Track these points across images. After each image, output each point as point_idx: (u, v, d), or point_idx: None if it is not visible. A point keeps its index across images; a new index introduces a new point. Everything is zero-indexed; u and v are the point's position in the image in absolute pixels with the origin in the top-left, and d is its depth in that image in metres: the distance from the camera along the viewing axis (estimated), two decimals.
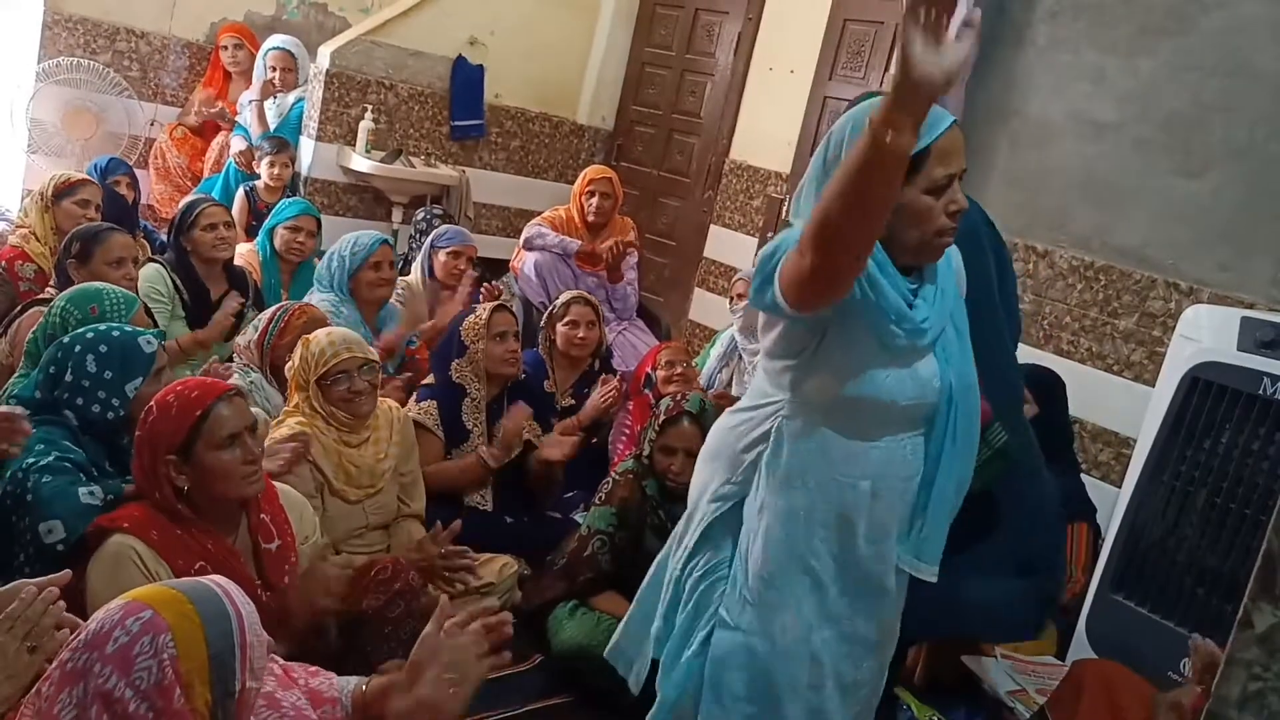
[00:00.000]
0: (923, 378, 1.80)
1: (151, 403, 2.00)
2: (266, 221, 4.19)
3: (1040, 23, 3.96)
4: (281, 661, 1.57)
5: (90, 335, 2.26)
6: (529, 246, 4.81)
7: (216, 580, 1.39)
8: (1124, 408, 3.65)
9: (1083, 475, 3.51)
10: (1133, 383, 3.68)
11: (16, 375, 2.52)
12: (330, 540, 2.57)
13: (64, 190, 3.71)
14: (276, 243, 4.09)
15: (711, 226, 5.53)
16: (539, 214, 5.03)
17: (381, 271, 3.69)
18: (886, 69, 4.58)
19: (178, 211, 3.76)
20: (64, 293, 2.64)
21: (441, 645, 1.56)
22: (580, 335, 3.77)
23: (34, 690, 1.33)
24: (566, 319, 3.79)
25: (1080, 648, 3.05)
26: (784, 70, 5.16)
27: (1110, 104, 3.78)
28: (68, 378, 2.22)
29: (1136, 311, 3.70)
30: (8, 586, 1.55)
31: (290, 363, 2.75)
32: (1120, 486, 3.20)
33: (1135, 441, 3.13)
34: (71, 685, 1.25)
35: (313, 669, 1.65)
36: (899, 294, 1.72)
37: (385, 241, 3.74)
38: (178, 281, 3.59)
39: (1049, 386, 3.41)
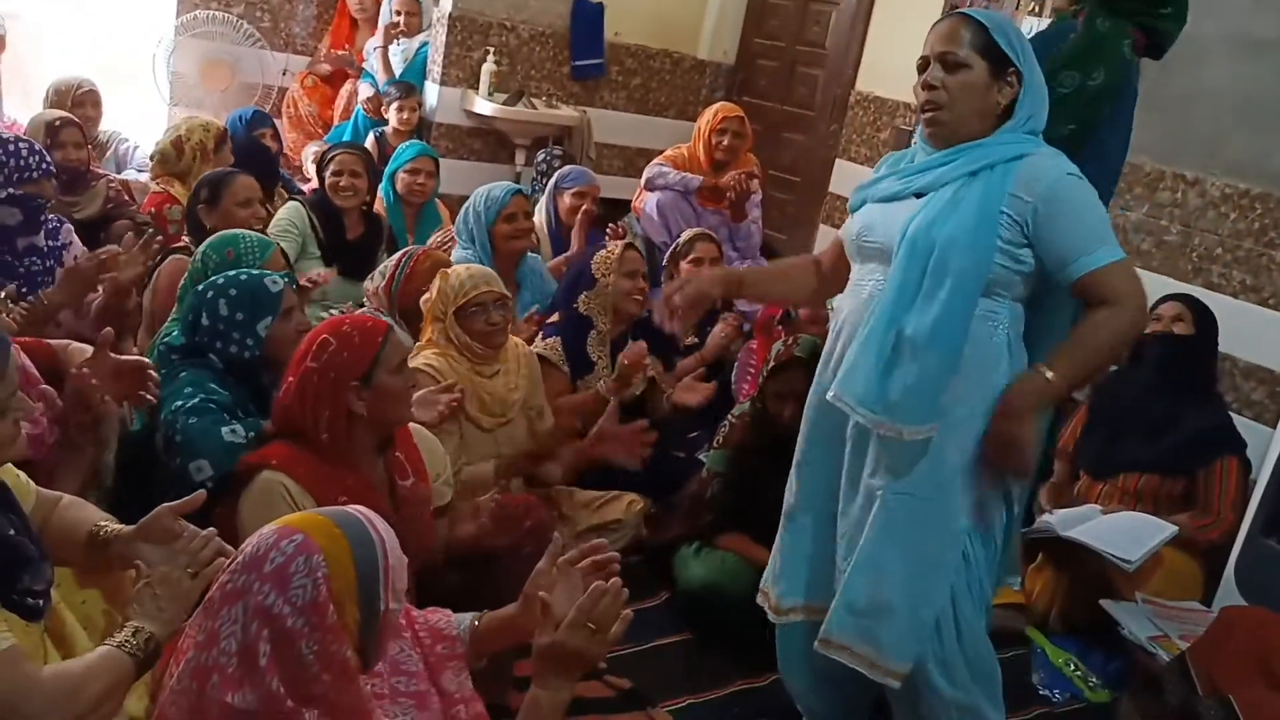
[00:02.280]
0: (894, 219, 1.92)
1: (326, 335, 2.04)
2: (387, 167, 4.26)
3: None
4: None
5: (221, 281, 2.36)
6: (650, 186, 4.78)
7: (358, 508, 1.47)
8: (1273, 340, 3.44)
9: (1233, 414, 3.33)
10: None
11: (170, 320, 2.64)
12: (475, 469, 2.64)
13: (221, 140, 3.86)
14: (398, 186, 4.16)
15: (837, 161, 5.39)
16: (660, 153, 4.98)
17: (516, 223, 3.63)
18: None
19: (319, 155, 3.88)
20: (206, 240, 2.75)
21: (556, 582, 1.60)
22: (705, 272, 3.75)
23: (197, 611, 1.42)
24: (691, 256, 3.77)
25: (1229, 593, 2.92)
26: None
27: (1272, 20, 3.51)
28: (204, 322, 2.32)
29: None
30: (149, 515, 1.63)
31: (426, 295, 2.81)
32: (1275, 427, 3.03)
33: None
34: (232, 604, 1.34)
35: (431, 607, 1.70)
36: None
37: (518, 192, 3.69)
38: (315, 220, 3.69)
39: (1202, 313, 3.26)
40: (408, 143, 4.39)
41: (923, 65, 1.93)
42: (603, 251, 3.28)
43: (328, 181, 3.73)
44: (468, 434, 2.70)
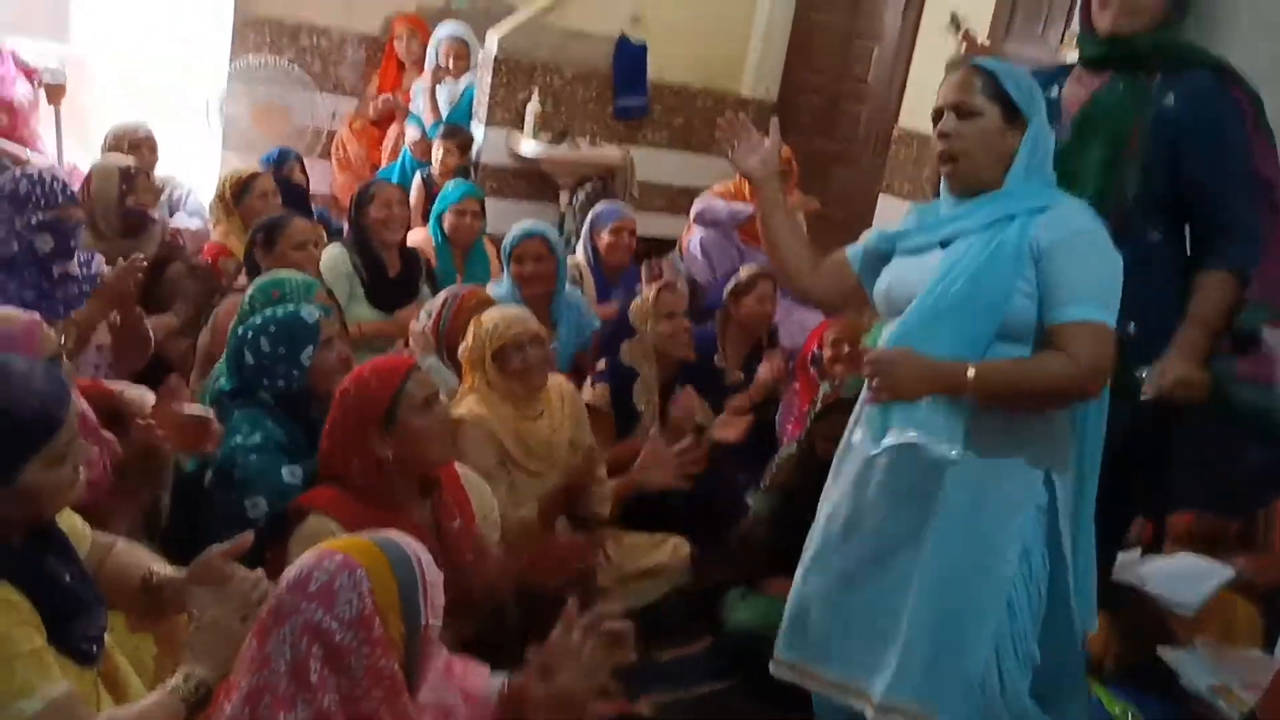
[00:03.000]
0: (922, 270, 1.95)
1: (347, 383, 2.10)
2: (434, 208, 4.30)
3: None
4: (446, 653, 1.63)
5: (258, 320, 2.41)
6: (700, 220, 4.76)
7: (391, 531, 1.51)
8: None
9: None
10: None
11: (220, 363, 2.69)
12: (521, 513, 2.64)
13: (241, 187, 3.91)
14: (445, 227, 4.20)
15: (881, 196, 5.38)
16: (703, 189, 5.00)
17: (524, 265, 3.63)
18: (1067, 25, 4.33)
19: (354, 193, 3.92)
20: (252, 282, 2.80)
21: (571, 647, 1.59)
22: (768, 309, 3.74)
23: (244, 645, 1.44)
24: (755, 292, 3.75)
25: None
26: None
27: None
28: (249, 361, 2.37)
29: None
30: (200, 558, 1.65)
31: (463, 345, 2.83)
32: None
33: None
34: (280, 626, 1.36)
35: (473, 665, 1.71)
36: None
37: (530, 235, 3.68)
38: (357, 262, 3.74)
39: None
40: (453, 182, 4.43)
41: (937, 116, 1.97)
42: (638, 299, 3.29)
43: (373, 217, 3.75)
44: (516, 480, 2.70)
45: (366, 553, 1.41)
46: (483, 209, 4.31)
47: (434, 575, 1.46)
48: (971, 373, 1.81)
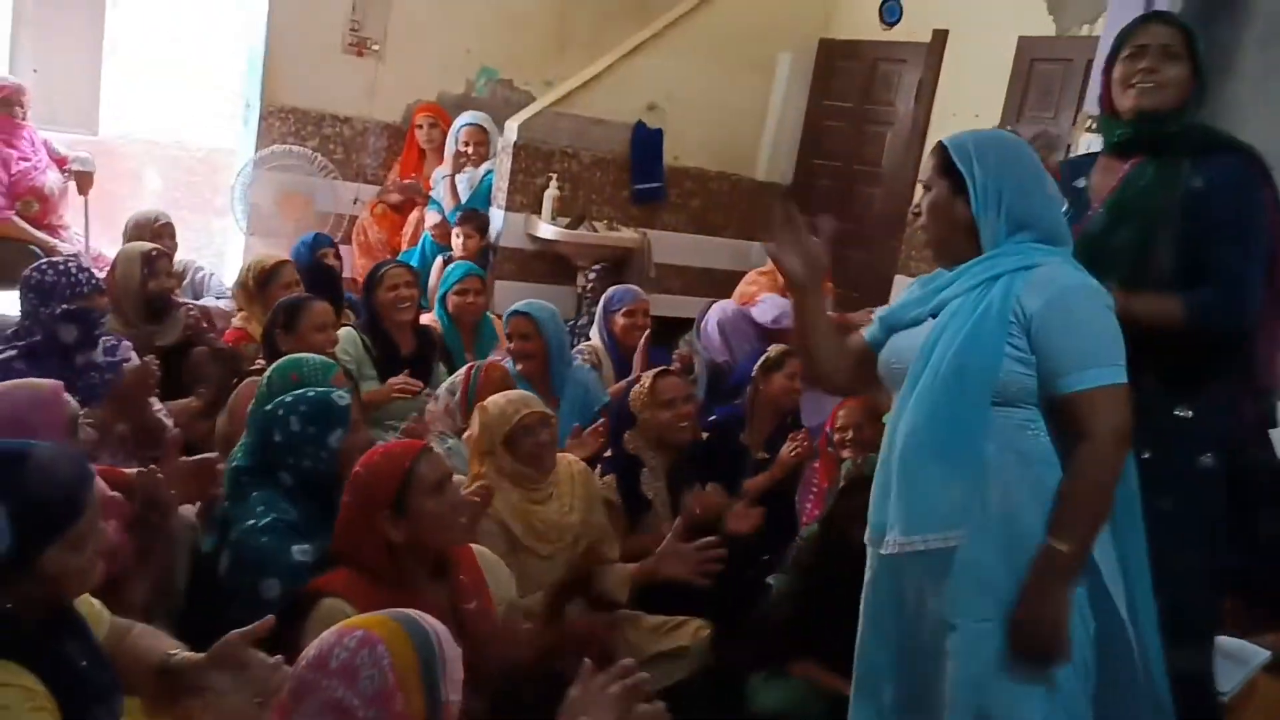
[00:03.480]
0: (914, 341, 1.95)
1: (357, 467, 2.10)
2: (438, 292, 4.36)
3: (1251, 48, 3.71)
4: None
5: (290, 399, 2.41)
6: (745, 296, 4.79)
7: (405, 609, 1.49)
8: None
9: None
10: None
11: (240, 443, 2.70)
12: (526, 601, 2.61)
13: (265, 277, 3.96)
14: (449, 307, 4.25)
15: (896, 277, 5.42)
16: (720, 271, 5.04)
17: (512, 342, 3.75)
18: (1078, 108, 4.40)
19: (366, 276, 3.98)
20: (271, 365, 2.83)
21: (595, 692, 1.57)
22: (797, 386, 3.66)
23: None
24: (786, 369, 3.68)
25: None
26: (968, 115, 5.03)
27: None
28: (277, 439, 2.36)
29: None
30: (219, 643, 1.64)
31: (468, 433, 2.82)
32: None
33: None
34: (301, 704, 1.35)
35: None
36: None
37: (514, 314, 3.77)
38: (368, 342, 3.77)
39: None
40: (453, 265, 4.50)
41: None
42: (636, 387, 3.28)
43: (384, 298, 3.79)
44: (526, 565, 2.67)
45: (386, 628, 1.40)
46: (484, 287, 4.37)
47: (453, 651, 1.44)
48: (1060, 545, 1.79)
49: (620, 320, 4.34)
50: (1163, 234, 2.22)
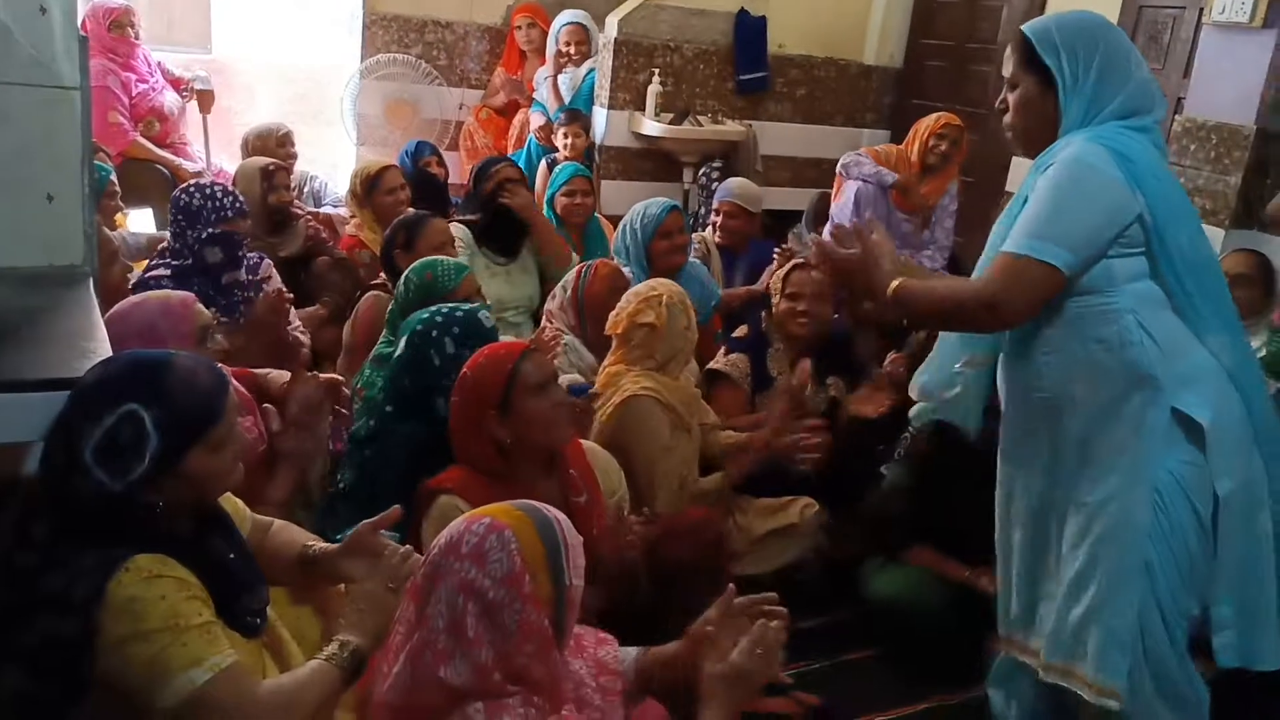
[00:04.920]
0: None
1: (465, 368, 2.16)
2: (545, 193, 4.37)
3: None
4: (577, 628, 1.67)
5: (440, 320, 2.40)
6: (847, 174, 4.63)
7: (527, 500, 1.55)
8: None
9: None
10: None
11: (381, 342, 2.82)
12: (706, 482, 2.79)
13: (370, 182, 4.03)
14: (558, 209, 4.25)
15: (1014, 159, 5.21)
16: (829, 161, 4.90)
17: (673, 239, 3.71)
18: None
19: (474, 170, 4.06)
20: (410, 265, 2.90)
21: (736, 624, 1.65)
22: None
23: (399, 609, 1.51)
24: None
25: None
26: None
27: None
28: (436, 362, 2.35)
29: None
30: (351, 532, 1.74)
31: (629, 322, 2.84)
32: None
33: None
34: (435, 587, 1.43)
35: (604, 637, 1.75)
36: None
37: (675, 208, 3.76)
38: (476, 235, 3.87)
39: None
40: (561, 166, 4.50)
41: None
42: (773, 268, 3.29)
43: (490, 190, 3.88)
44: (682, 442, 2.77)
45: (511, 516, 1.46)
46: (592, 188, 4.36)
47: (574, 538, 1.50)
48: (896, 284, 1.88)
49: (714, 218, 4.34)
50: None
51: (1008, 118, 1.99)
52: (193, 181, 3.27)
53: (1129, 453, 1.84)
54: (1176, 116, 4.00)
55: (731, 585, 1.72)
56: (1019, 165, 5.13)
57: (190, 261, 3.08)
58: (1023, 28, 1.96)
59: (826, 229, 4.53)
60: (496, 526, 1.44)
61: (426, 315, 2.43)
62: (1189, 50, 4.14)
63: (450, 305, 2.49)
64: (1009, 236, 1.83)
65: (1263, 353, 2.85)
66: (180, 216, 3.09)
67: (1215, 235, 3.67)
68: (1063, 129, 1.90)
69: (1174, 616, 1.86)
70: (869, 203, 4.49)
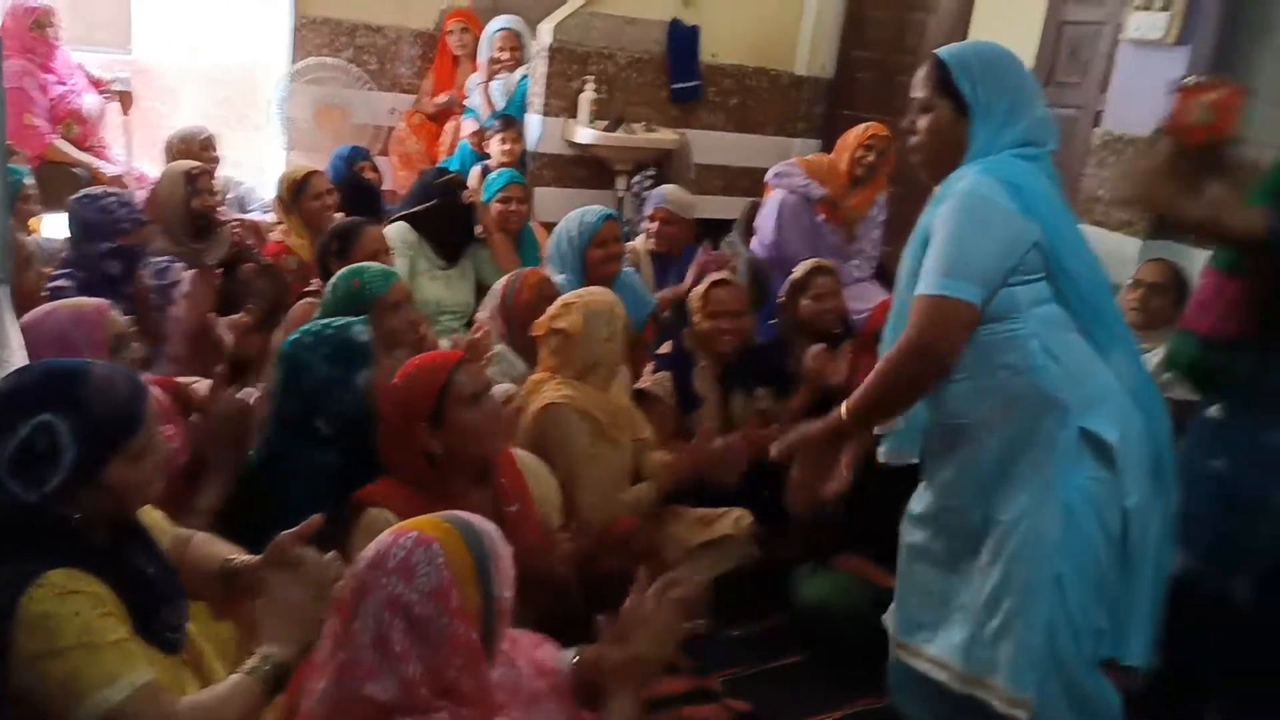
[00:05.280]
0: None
1: (396, 378, 2.15)
2: (481, 199, 4.34)
3: None
4: (511, 630, 1.66)
5: (309, 339, 2.28)
6: (776, 182, 4.58)
7: (456, 511, 1.53)
8: None
9: None
10: None
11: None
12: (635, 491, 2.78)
13: (297, 188, 3.99)
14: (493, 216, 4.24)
15: None
16: (761, 170, 4.91)
17: (608, 248, 3.69)
18: None
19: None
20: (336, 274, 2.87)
21: (644, 613, 1.66)
22: (827, 307, 3.52)
23: (325, 625, 1.48)
24: (811, 291, 3.56)
25: None
26: None
27: None
28: (305, 387, 2.25)
29: None
30: (272, 543, 1.70)
31: (546, 328, 2.84)
32: None
33: None
34: (362, 602, 1.40)
35: (536, 638, 1.74)
36: None
37: (611, 217, 3.75)
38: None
39: None
40: (496, 173, 4.47)
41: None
42: (695, 289, 3.30)
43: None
44: (606, 454, 2.76)
45: (439, 529, 1.45)
46: (527, 195, 4.35)
47: (503, 550, 1.49)
48: (843, 409, 1.93)
49: (647, 225, 4.35)
50: None
51: (916, 140, 2.01)
52: (86, 192, 3.20)
53: (1040, 471, 1.89)
54: (1095, 130, 4.11)
55: (644, 573, 1.71)
56: None
57: (89, 275, 3.02)
58: (939, 53, 1.98)
59: (755, 240, 4.57)
60: (424, 540, 1.42)
61: (296, 335, 2.33)
62: (1107, 65, 4.26)
63: (324, 322, 2.38)
64: (921, 276, 1.86)
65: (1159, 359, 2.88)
66: (77, 229, 3.06)
67: (1133, 246, 3.78)
68: (968, 156, 1.93)
69: (1083, 628, 1.90)
70: (793, 213, 4.52)
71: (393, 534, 1.45)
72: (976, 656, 1.95)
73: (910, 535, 2.13)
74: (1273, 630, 2.13)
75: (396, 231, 3.84)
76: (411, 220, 3.91)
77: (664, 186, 4.58)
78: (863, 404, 1.92)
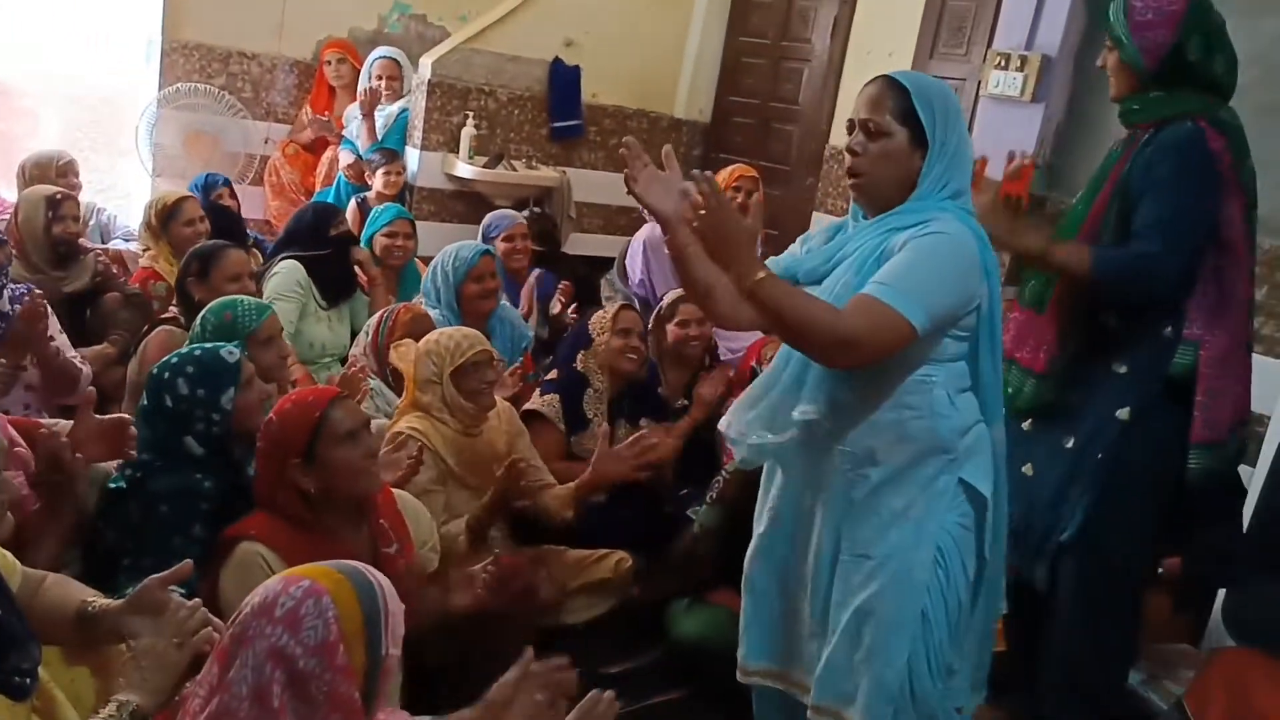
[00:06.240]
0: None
1: (271, 414, 2.09)
2: (364, 232, 4.30)
3: None
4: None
5: (176, 360, 2.25)
6: (647, 221, 4.67)
7: (352, 561, 1.49)
8: (1258, 384, 3.47)
9: None
10: (1264, 357, 3.50)
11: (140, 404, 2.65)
12: (451, 527, 2.67)
13: (168, 214, 3.88)
14: (377, 250, 4.19)
15: (814, 214, 5.47)
16: (639, 210, 4.95)
17: (484, 283, 3.66)
18: (989, 44, 4.46)
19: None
20: (184, 313, 2.77)
21: (519, 695, 1.59)
22: (692, 333, 3.64)
23: (203, 670, 1.42)
24: (676, 318, 3.69)
25: (1218, 635, 2.92)
26: (882, 53, 5.06)
27: None
28: (169, 405, 2.20)
29: (1265, 284, 3.52)
30: (137, 588, 1.63)
31: (408, 360, 2.82)
32: (1255, 466, 3.06)
33: (1270, 419, 2.98)
34: (243, 649, 1.35)
35: (392, 710, 1.69)
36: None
37: (487, 252, 3.75)
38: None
39: None
40: (383, 206, 4.43)
41: (850, 128, 1.92)
42: (600, 311, 3.33)
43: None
44: (454, 497, 2.72)
45: (332, 579, 1.40)
46: (414, 230, 4.31)
47: (396, 606, 1.45)
48: (760, 274, 1.76)
49: (500, 246, 4.31)
50: (1099, 207, 2.35)
51: (862, 164, 1.89)
52: None
53: (915, 510, 1.92)
54: None
55: (529, 649, 1.68)
56: (819, 220, 5.39)
57: None
58: (899, 77, 1.89)
59: (628, 280, 4.63)
60: (315, 590, 1.37)
61: (164, 360, 2.28)
62: (968, 120, 4.47)
63: (192, 346, 2.35)
64: (874, 281, 1.78)
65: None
66: None
67: None
68: (916, 193, 1.88)
69: (938, 667, 1.96)
70: (658, 250, 4.57)
71: (282, 580, 1.40)
72: (833, 688, 1.99)
73: (760, 558, 2.16)
74: (1063, 607, 2.46)
75: (291, 271, 3.77)
76: (305, 262, 3.82)
77: (501, 210, 4.64)
78: (769, 300, 1.76)
